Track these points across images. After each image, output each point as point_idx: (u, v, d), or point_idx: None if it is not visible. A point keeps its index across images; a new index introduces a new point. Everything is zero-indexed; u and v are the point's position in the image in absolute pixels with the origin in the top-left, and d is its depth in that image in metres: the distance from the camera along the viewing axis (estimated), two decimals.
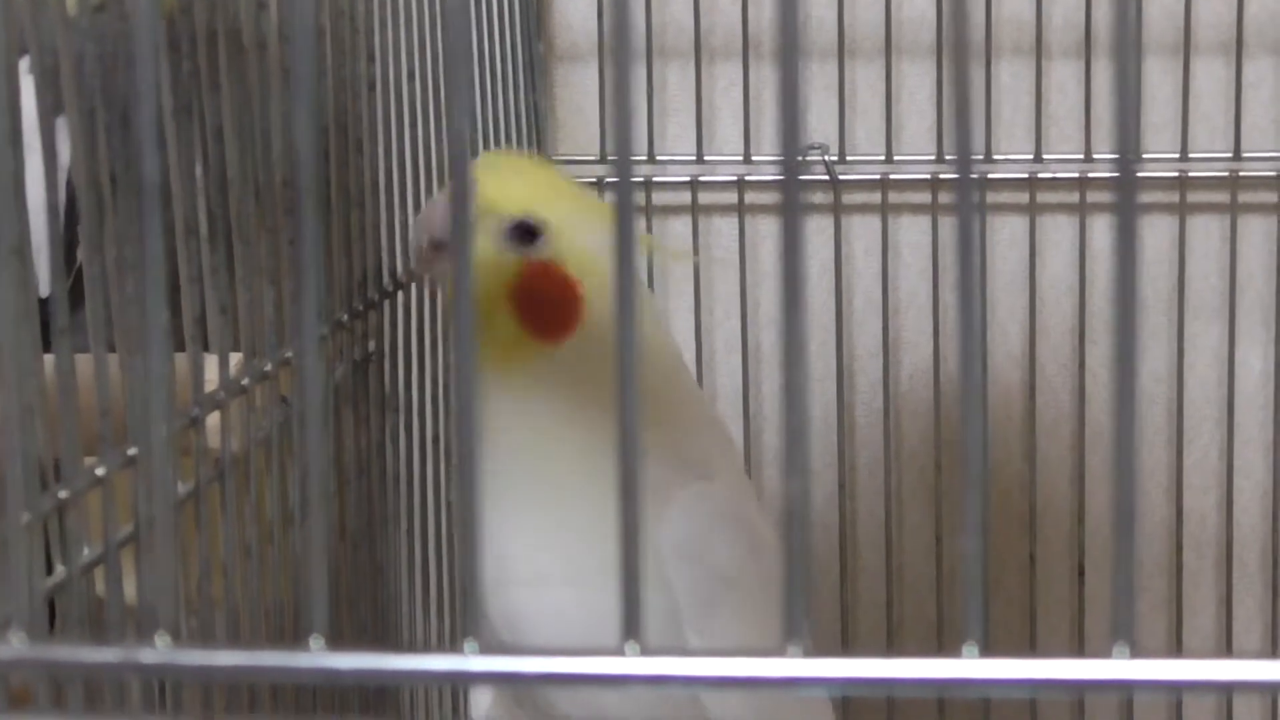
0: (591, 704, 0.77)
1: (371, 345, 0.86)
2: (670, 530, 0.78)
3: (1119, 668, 0.35)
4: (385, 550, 0.89)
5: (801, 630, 0.34)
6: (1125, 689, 0.34)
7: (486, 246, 0.77)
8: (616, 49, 0.34)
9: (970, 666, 0.35)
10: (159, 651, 0.37)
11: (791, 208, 0.35)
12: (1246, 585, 1.25)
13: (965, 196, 0.34)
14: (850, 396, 1.24)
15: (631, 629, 0.35)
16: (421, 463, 0.93)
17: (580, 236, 0.78)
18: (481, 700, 0.86)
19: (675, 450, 0.79)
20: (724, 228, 1.24)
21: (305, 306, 0.34)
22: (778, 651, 0.34)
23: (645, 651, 0.35)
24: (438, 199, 0.82)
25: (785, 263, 0.34)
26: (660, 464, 0.77)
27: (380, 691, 0.88)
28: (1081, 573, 1.23)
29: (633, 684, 0.35)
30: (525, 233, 0.78)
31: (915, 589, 1.26)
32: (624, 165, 0.34)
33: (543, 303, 0.78)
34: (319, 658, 0.36)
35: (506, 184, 0.78)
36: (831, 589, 1.24)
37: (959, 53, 0.35)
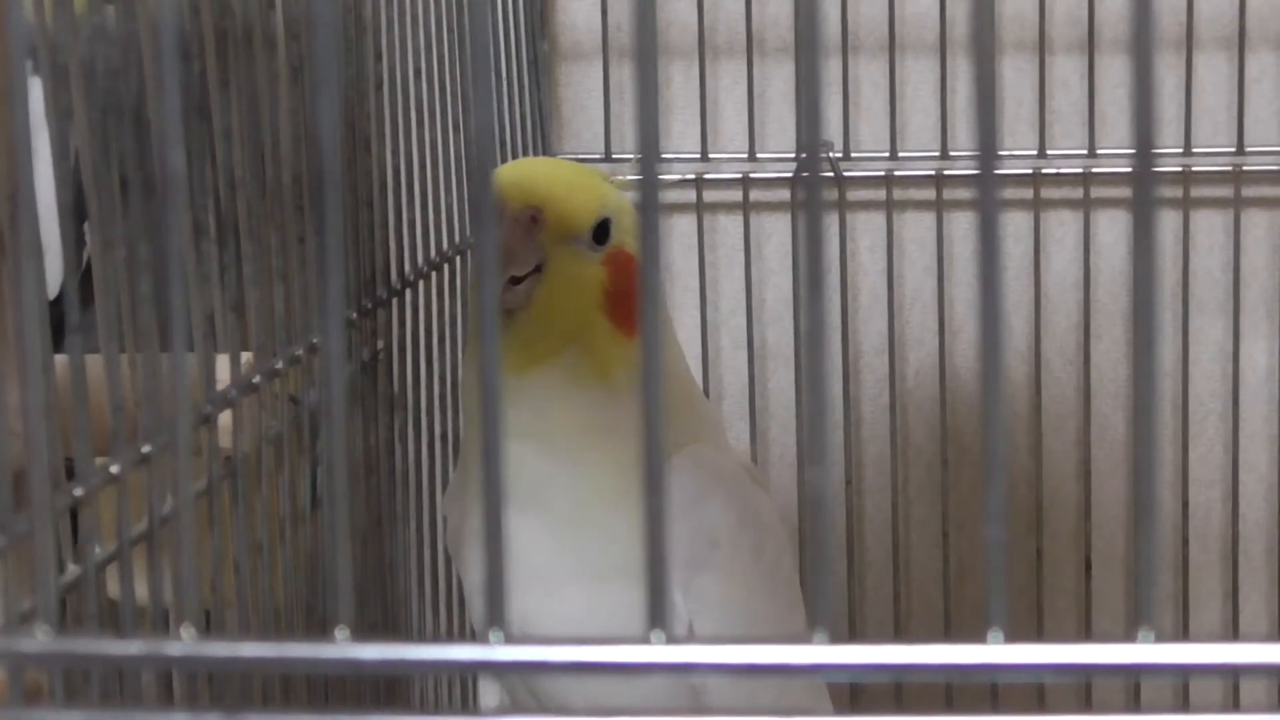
0: (602, 693, 0.77)
1: (380, 344, 0.86)
2: None
3: (1143, 651, 0.35)
4: (394, 548, 0.89)
5: (829, 617, 0.34)
6: (1151, 673, 0.34)
7: (574, 260, 0.76)
8: (640, 49, 0.34)
9: (995, 652, 0.35)
10: (185, 644, 0.37)
11: (813, 199, 0.35)
12: (1252, 579, 1.25)
13: (989, 192, 0.34)
14: (856, 392, 1.25)
15: (657, 618, 0.35)
16: (430, 461, 0.93)
17: (628, 216, 0.77)
18: (491, 690, 0.86)
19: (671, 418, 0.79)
20: (729, 225, 1.24)
21: (330, 286, 0.34)
22: (803, 639, 0.34)
23: (671, 640, 0.35)
24: (501, 229, 0.73)
25: (808, 258, 0.34)
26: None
27: (392, 684, 0.88)
28: (1089, 566, 1.24)
29: (659, 673, 0.35)
30: (603, 230, 0.77)
31: (922, 584, 1.26)
32: (649, 163, 0.35)
33: (632, 294, 0.75)
34: (345, 649, 0.37)
35: (568, 188, 0.76)
36: (839, 584, 1.25)
37: (980, 48, 0.35)
